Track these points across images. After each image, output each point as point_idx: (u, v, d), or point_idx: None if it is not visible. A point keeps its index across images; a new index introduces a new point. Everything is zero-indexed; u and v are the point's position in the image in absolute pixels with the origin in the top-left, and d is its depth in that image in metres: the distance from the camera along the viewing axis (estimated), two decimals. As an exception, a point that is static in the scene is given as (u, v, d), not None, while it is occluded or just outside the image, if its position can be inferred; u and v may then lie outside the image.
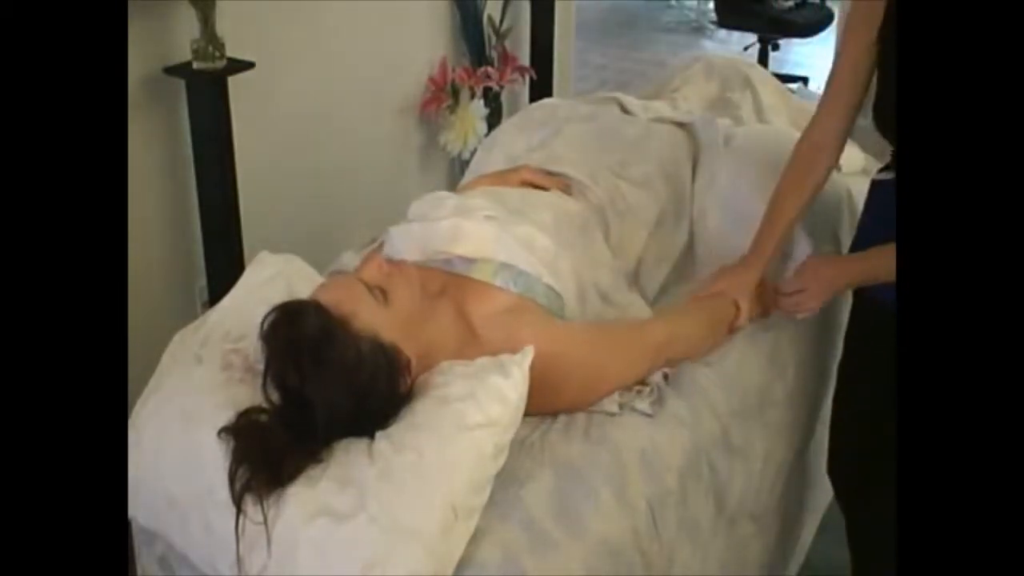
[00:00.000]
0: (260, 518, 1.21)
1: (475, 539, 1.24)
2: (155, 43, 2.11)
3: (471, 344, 1.41)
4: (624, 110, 2.13)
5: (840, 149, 1.68)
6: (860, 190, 1.81)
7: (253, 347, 1.35)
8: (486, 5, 2.99)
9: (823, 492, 1.97)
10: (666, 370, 1.54)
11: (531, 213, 1.65)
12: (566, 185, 1.81)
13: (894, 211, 1.51)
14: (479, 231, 1.54)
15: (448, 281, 1.50)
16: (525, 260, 1.52)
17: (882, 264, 1.54)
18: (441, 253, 1.54)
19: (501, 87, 3.00)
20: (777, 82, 2.40)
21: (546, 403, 1.39)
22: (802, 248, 1.81)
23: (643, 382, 1.52)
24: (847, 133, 1.67)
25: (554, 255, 1.56)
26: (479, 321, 1.44)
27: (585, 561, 1.27)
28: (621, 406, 1.46)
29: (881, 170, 1.71)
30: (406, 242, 1.59)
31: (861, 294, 1.71)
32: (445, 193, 1.76)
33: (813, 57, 5.30)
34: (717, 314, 1.66)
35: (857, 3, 1.60)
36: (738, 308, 1.67)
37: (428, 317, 1.41)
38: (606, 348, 1.49)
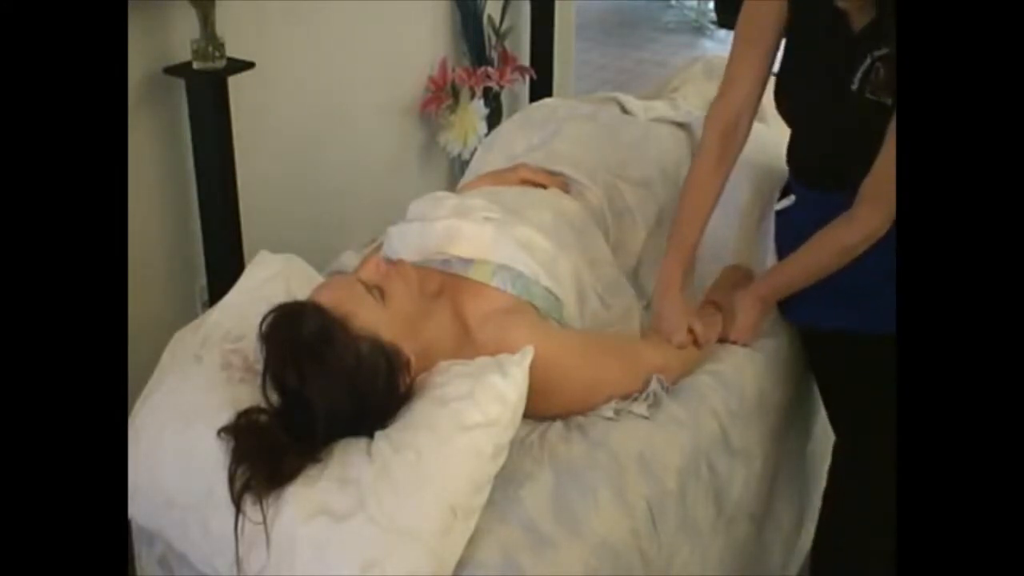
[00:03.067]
0: (259, 518, 1.21)
1: (474, 539, 1.24)
2: (155, 43, 2.11)
3: (467, 344, 1.42)
4: (624, 110, 2.13)
5: (752, 122, 1.66)
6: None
7: (253, 347, 1.35)
8: (486, 5, 2.99)
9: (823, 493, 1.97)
10: (663, 379, 1.54)
11: (530, 213, 1.65)
12: (564, 185, 1.81)
13: (803, 235, 1.55)
14: (477, 232, 1.54)
15: (446, 281, 1.50)
16: (523, 262, 1.52)
17: (788, 274, 1.61)
18: (439, 253, 1.54)
19: (501, 87, 3.00)
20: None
21: (539, 408, 1.39)
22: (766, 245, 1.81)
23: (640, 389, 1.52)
24: (759, 103, 1.65)
25: (553, 257, 1.56)
26: (474, 322, 1.45)
27: (584, 561, 1.27)
28: (617, 412, 1.46)
29: (780, 199, 1.73)
30: (405, 242, 1.60)
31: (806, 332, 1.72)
32: (444, 193, 1.76)
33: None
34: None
35: None
36: (692, 331, 1.60)
37: (426, 317, 1.41)
38: (600, 359, 1.49)
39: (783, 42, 1.62)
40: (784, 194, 1.75)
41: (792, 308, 1.68)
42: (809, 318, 1.67)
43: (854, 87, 1.47)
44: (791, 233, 1.64)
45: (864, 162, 1.46)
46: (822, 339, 1.68)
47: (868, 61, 1.45)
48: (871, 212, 1.47)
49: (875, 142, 1.44)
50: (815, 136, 1.61)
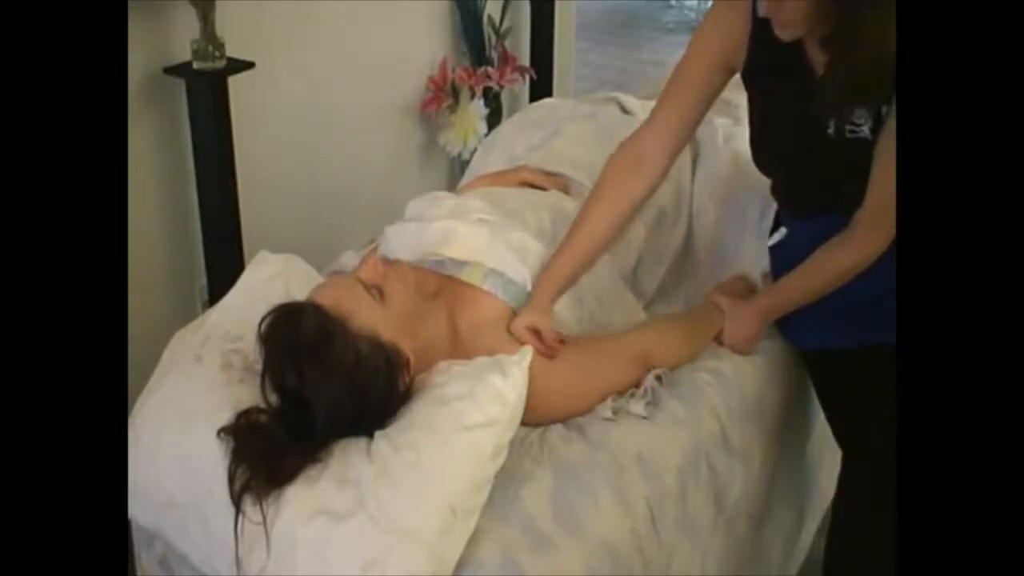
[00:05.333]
0: (259, 518, 1.21)
1: (474, 539, 1.24)
2: (155, 43, 2.11)
3: (457, 350, 1.43)
4: (624, 110, 2.14)
5: (664, 170, 1.59)
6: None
7: (253, 347, 1.35)
8: (486, 5, 2.99)
9: (823, 493, 1.97)
10: (659, 372, 1.53)
11: (529, 214, 1.65)
12: (565, 185, 1.81)
13: (799, 261, 1.54)
14: (471, 234, 1.55)
15: (443, 284, 1.50)
16: (515, 268, 1.52)
17: (789, 291, 1.59)
18: (433, 254, 1.54)
19: (501, 87, 3.00)
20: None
21: (533, 418, 1.38)
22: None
23: (636, 384, 1.52)
24: (675, 153, 1.59)
25: (545, 261, 1.56)
26: (465, 328, 1.45)
27: (584, 561, 1.27)
28: (615, 411, 1.46)
29: (772, 233, 1.73)
30: (401, 241, 1.60)
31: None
32: (443, 193, 1.76)
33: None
34: (700, 326, 1.66)
35: (722, 12, 1.51)
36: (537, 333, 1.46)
37: (424, 317, 1.41)
38: (586, 365, 1.48)
39: (746, 98, 1.59)
40: (775, 225, 1.75)
41: (794, 333, 1.70)
42: (810, 341, 1.68)
43: (830, 131, 1.45)
44: (786, 262, 1.63)
45: (854, 190, 1.46)
46: (821, 358, 1.69)
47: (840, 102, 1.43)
48: (869, 235, 1.46)
49: (863, 172, 1.43)
50: (799, 180, 1.60)
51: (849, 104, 1.41)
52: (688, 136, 1.60)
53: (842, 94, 1.38)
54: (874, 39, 1.26)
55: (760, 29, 1.43)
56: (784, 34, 1.38)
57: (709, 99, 1.57)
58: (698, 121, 1.59)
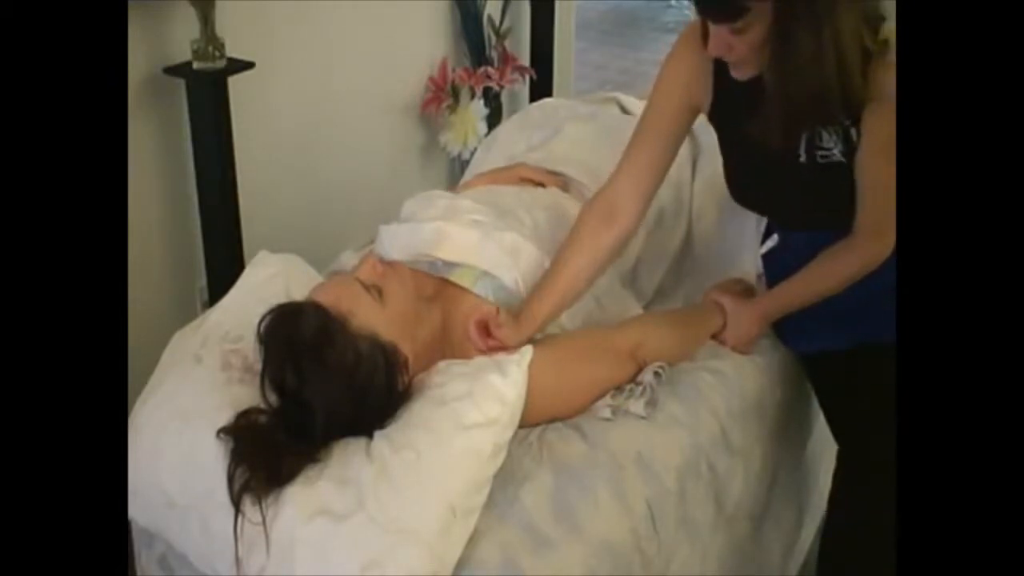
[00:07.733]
0: (259, 518, 1.21)
1: (474, 539, 1.24)
2: (155, 43, 2.11)
3: (450, 351, 1.43)
4: (624, 110, 2.14)
5: (639, 215, 1.59)
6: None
7: (252, 347, 1.35)
8: (486, 5, 2.99)
9: (823, 493, 1.97)
10: (657, 368, 1.53)
11: (523, 214, 1.65)
12: (563, 183, 1.81)
13: (792, 270, 1.56)
14: (463, 237, 1.55)
15: (440, 287, 1.50)
16: (507, 272, 1.52)
17: (791, 295, 1.59)
18: (425, 255, 1.54)
19: (501, 87, 3.00)
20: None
21: (528, 419, 1.37)
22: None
23: (634, 380, 1.51)
24: (649, 196, 1.59)
25: (539, 263, 1.56)
26: (458, 330, 1.45)
27: (584, 561, 1.27)
28: (614, 411, 1.46)
29: (764, 241, 1.73)
30: (394, 242, 1.60)
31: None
32: (438, 192, 1.77)
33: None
34: (693, 321, 1.66)
35: (683, 55, 1.51)
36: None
37: (422, 318, 1.42)
38: (576, 366, 1.48)
39: (717, 137, 1.61)
40: (766, 233, 1.75)
41: (791, 338, 1.71)
42: (807, 344, 1.69)
43: (802, 159, 1.46)
44: (779, 270, 1.64)
45: (837, 210, 1.47)
46: (819, 359, 1.69)
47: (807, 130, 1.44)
48: (871, 243, 1.47)
49: (844, 190, 1.45)
50: (781, 206, 1.61)
51: (795, 128, 1.42)
52: (661, 178, 1.60)
53: (787, 119, 1.39)
54: (810, 63, 1.29)
55: (722, 68, 1.44)
56: (739, 73, 1.40)
57: (677, 140, 1.58)
58: (669, 162, 1.60)
